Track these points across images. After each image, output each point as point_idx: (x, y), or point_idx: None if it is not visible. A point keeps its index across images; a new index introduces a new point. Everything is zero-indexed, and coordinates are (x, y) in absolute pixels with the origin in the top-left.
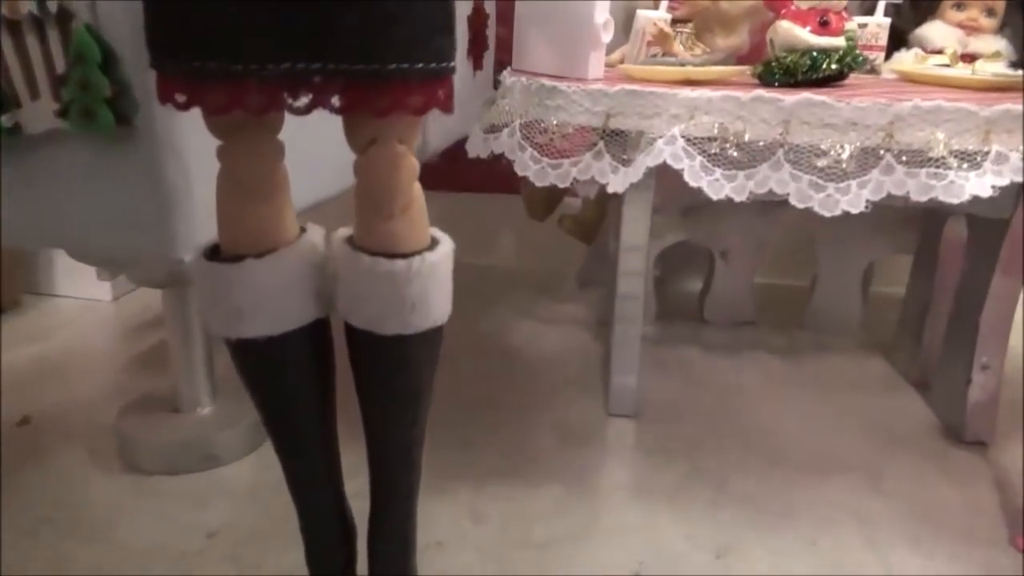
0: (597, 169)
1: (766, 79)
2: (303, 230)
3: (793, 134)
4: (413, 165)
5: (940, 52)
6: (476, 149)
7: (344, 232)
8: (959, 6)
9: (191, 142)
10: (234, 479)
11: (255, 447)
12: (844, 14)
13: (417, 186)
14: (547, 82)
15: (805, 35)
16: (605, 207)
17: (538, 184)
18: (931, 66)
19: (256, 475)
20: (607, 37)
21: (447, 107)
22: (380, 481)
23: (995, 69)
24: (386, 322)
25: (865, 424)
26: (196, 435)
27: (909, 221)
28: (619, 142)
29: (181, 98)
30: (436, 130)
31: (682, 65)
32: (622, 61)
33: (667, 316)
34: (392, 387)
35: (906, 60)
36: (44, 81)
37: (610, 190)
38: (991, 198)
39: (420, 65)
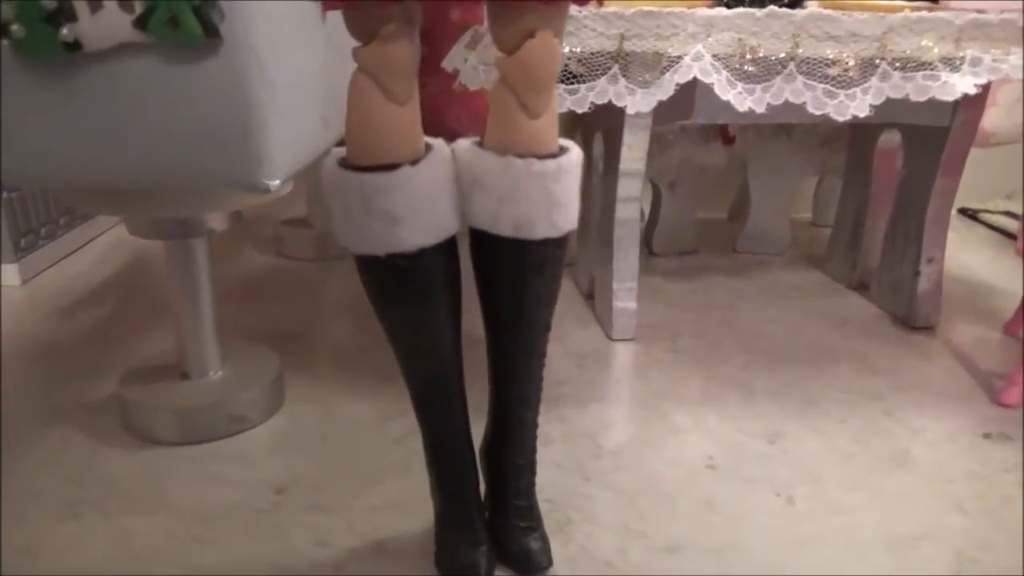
0: (614, 92)
1: (735, 3)
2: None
3: (802, 47)
4: (561, 61)
5: None
6: (471, 79)
7: (467, 142)
8: None
9: (277, 56)
10: (273, 436)
11: (279, 406)
12: None
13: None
14: None
15: None
16: (569, 132)
17: None
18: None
19: (294, 429)
20: None
21: None
22: (510, 393)
23: None
24: (536, 225)
25: (832, 322)
26: (218, 398)
27: (830, 143)
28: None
29: None
30: None
31: None
32: None
33: None
34: (531, 293)
35: None
36: None
37: (630, 111)
38: (928, 110)
39: None
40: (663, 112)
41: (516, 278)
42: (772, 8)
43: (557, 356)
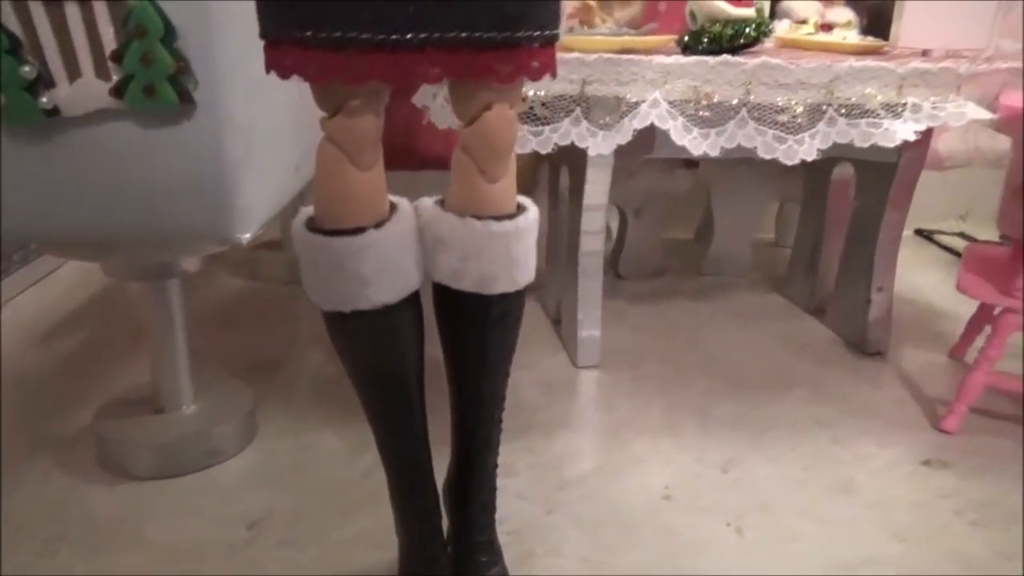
0: (576, 133)
1: (693, 47)
2: (394, 204)
3: (753, 94)
4: (517, 129)
5: (804, 22)
6: (442, 119)
7: (429, 201)
8: None
9: (247, 118)
10: (246, 470)
11: (252, 438)
12: None
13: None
14: None
15: (726, 7)
16: (534, 170)
17: (518, 151)
18: (802, 36)
19: (267, 463)
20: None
21: (555, 71)
22: (472, 437)
23: (853, 35)
24: (495, 282)
25: (790, 347)
26: (192, 433)
27: (789, 172)
28: (590, 107)
29: (314, 69)
30: None
31: (614, 34)
32: None
33: None
34: (492, 345)
35: (781, 29)
36: (87, 59)
37: (591, 153)
38: (877, 147)
39: (538, 32)
40: (626, 148)
41: (477, 330)
42: (725, 57)
43: (525, 384)
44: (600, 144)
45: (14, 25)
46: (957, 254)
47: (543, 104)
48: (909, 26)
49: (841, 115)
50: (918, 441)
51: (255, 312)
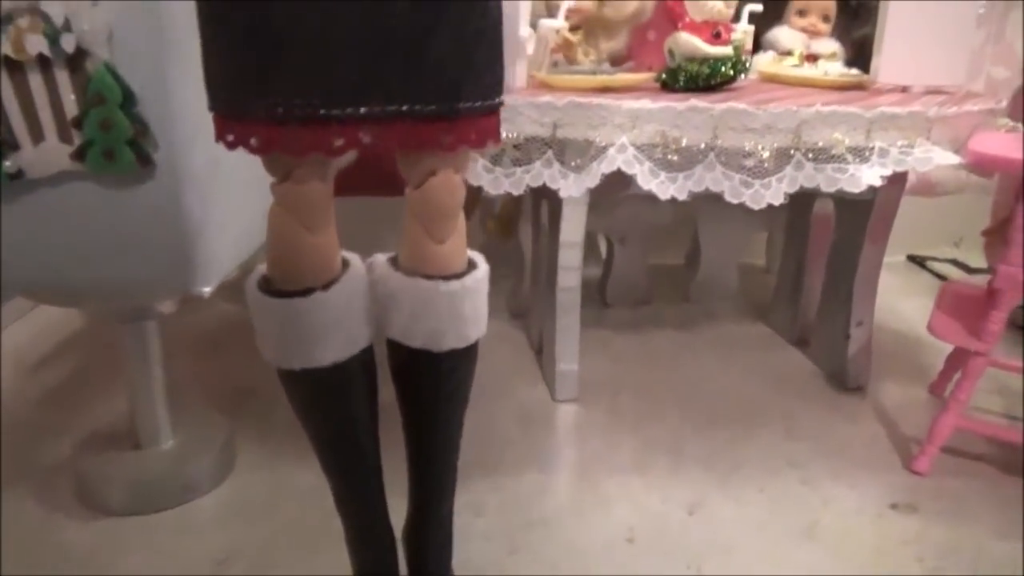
0: (548, 175)
1: (671, 84)
2: (346, 261)
3: (721, 138)
4: (464, 192)
5: (790, 53)
6: None
7: (382, 258)
8: (801, 13)
9: (209, 176)
10: (220, 505)
11: (227, 474)
12: (731, 26)
13: (462, 207)
14: None
15: (703, 46)
16: (519, 202)
17: (492, 192)
18: (788, 67)
19: (241, 498)
20: (530, 49)
21: (498, 139)
22: (427, 485)
23: (837, 68)
24: (444, 339)
25: (768, 380)
26: (168, 469)
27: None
28: (562, 149)
29: (256, 142)
30: None
31: (593, 73)
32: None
33: None
34: (444, 397)
35: (765, 61)
36: (50, 124)
37: (563, 195)
38: None
39: (480, 103)
40: (603, 186)
41: (429, 385)
42: (693, 102)
43: (503, 416)
44: (571, 186)
45: None
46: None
47: (515, 147)
48: (890, 61)
49: (808, 159)
50: (888, 482)
51: (233, 336)
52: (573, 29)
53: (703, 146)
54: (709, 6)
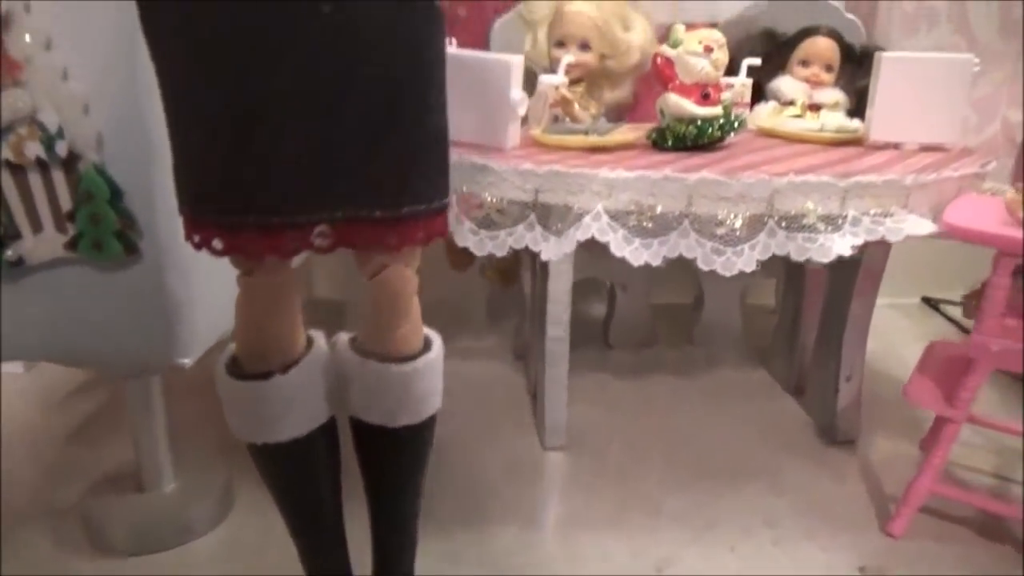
0: (530, 238)
1: (660, 144)
2: (310, 339)
3: (696, 206)
4: (416, 282)
5: (792, 103)
6: None
7: (345, 337)
8: (804, 63)
9: (189, 260)
10: (215, 548)
11: (225, 516)
12: (721, 85)
13: (416, 293)
14: (478, 160)
15: (691, 107)
16: (517, 251)
17: (477, 254)
18: (788, 118)
19: (235, 541)
20: (522, 111)
21: (445, 234)
22: (387, 545)
23: (837, 118)
24: (398, 415)
25: (758, 431)
26: (169, 512)
27: None
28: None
29: (219, 245)
30: None
31: (586, 133)
32: (526, 118)
33: (575, 344)
34: (400, 468)
35: (765, 112)
36: (48, 216)
37: (543, 258)
38: None
39: (424, 206)
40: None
41: (385, 457)
42: (667, 172)
43: (491, 463)
44: (551, 250)
45: None
46: (961, 328)
47: (499, 211)
48: (882, 118)
49: (781, 227)
50: (861, 544)
51: None
52: (576, 82)
53: (678, 213)
54: (698, 68)
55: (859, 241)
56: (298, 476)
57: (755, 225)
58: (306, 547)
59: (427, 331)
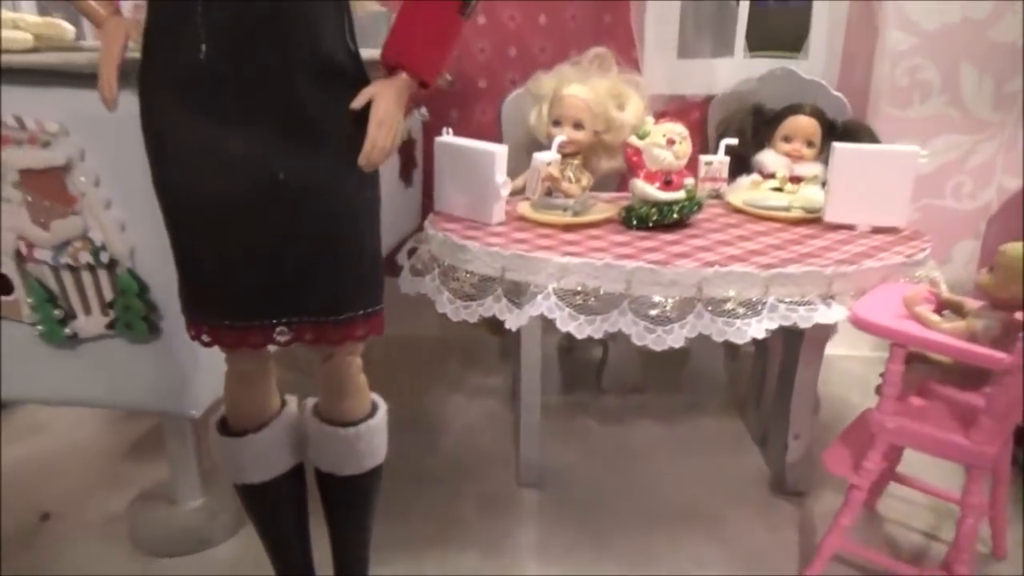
0: (497, 309)
1: (627, 222)
2: (283, 402)
3: (634, 289)
4: (359, 365)
5: (773, 176)
6: (406, 288)
7: (311, 402)
8: (786, 139)
9: None
10: (227, 556)
11: (237, 530)
12: (684, 172)
13: (361, 372)
14: (457, 239)
15: (654, 192)
16: None
17: (453, 319)
18: (766, 190)
19: (243, 552)
20: (505, 192)
21: (381, 332)
22: (342, 566)
23: (814, 192)
24: (344, 467)
25: (718, 480)
26: (193, 523)
27: None
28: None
29: (207, 339)
30: None
31: (565, 210)
32: (521, 188)
33: (571, 385)
34: (348, 507)
35: (744, 185)
36: (95, 304)
37: (507, 326)
38: None
39: (362, 312)
40: None
41: (336, 497)
42: (608, 260)
43: (467, 495)
44: (515, 320)
45: (53, 285)
46: None
47: (472, 285)
48: (836, 202)
49: (708, 310)
50: None
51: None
52: (572, 155)
53: (618, 295)
54: (661, 158)
55: (773, 326)
56: (268, 509)
57: (685, 307)
58: (277, 564)
59: (375, 398)
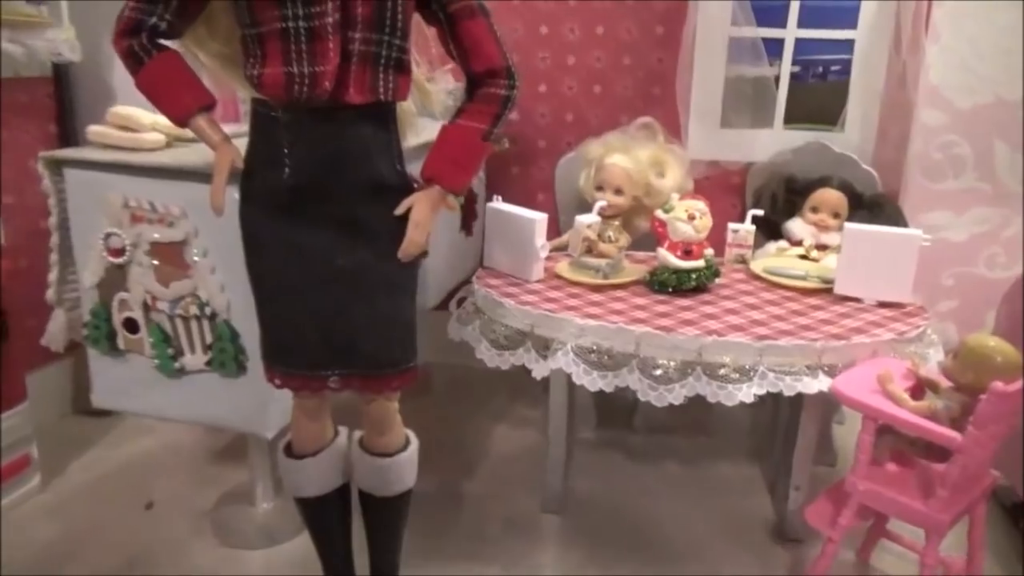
0: (526, 359)
1: (651, 286)
2: (337, 432)
3: (641, 351)
4: (395, 408)
5: (800, 243)
6: (453, 334)
7: (357, 434)
8: (814, 209)
9: None
10: (292, 552)
11: (300, 531)
12: (704, 243)
13: (397, 413)
14: (496, 296)
15: (674, 260)
16: None
17: (489, 365)
18: (791, 257)
19: (304, 553)
20: (544, 254)
21: (412, 386)
22: (377, 570)
23: (833, 261)
24: (379, 490)
25: (725, 523)
26: (266, 522)
27: None
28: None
29: (278, 383)
30: (434, 285)
31: (598, 270)
32: (565, 245)
33: (605, 423)
34: (383, 522)
35: (771, 251)
36: (198, 346)
37: (534, 375)
38: None
39: (397, 369)
40: None
41: (373, 513)
42: (620, 325)
43: (493, 516)
44: (540, 370)
45: (168, 329)
46: None
47: (506, 336)
48: (845, 278)
49: (705, 374)
50: None
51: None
52: (613, 216)
53: (627, 354)
54: (682, 231)
55: (762, 392)
56: (319, 518)
57: (685, 369)
58: (325, 562)
59: (408, 434)
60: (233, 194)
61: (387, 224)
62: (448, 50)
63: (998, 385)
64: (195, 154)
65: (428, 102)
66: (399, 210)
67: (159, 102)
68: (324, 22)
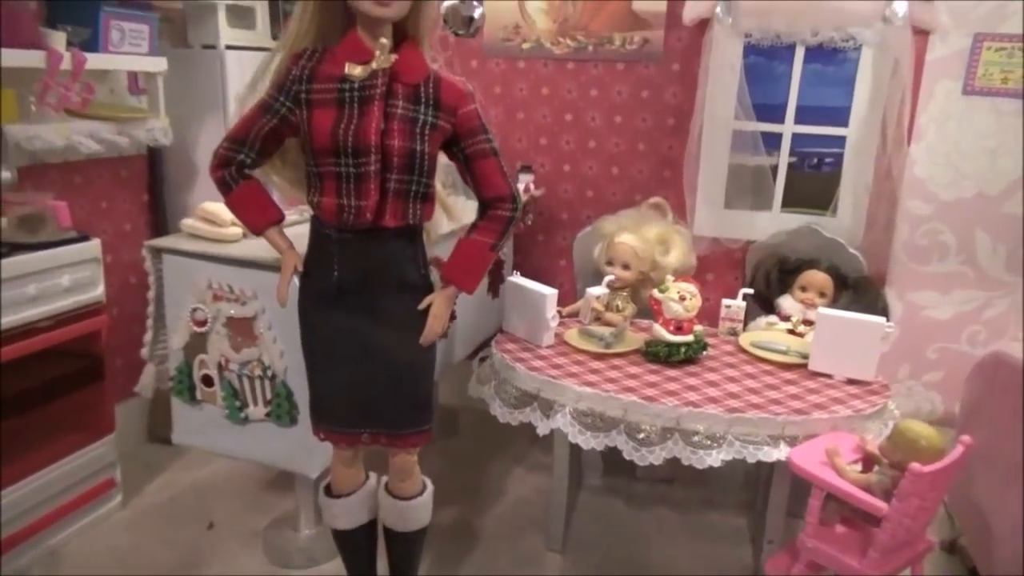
0: (532, 417)
1: (647, 357)
2: (368, 476)
3: (628, 417)
4: (415, 460)
5: (788, 319)
6: (472, 391)
7: (384, 479)
8: (803, 288)
9: None
10: (327, 572)
11: (334, 556)
12: (694, 320)
13: (416, 464)
14: (510, 360)
15: (665, 335)
16: None
17: (501, 421)
18: (779, 332)
19: (337, 573)
20: (554, 324)
21: (428, 442)
22: None
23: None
24: (399, 526)
25: (709, 567)
26: (306, 547)
27: None
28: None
29: (322, 436)
30: (463, 340)
31: (601, 339)
32: (577, 312)
33: (611, 471)
34: (402, 553)
35: (761, 325)
36: (260, 400)
37: (539, 432)
38: None
39: (415, 429)
40: None
41: (394, 545)
42: (611, 394)
43: (504, 552)
44: (543, 428)
45: (237, 386)
46: None
47: (516, 397)
48: (818, 356)
49: (682, 439)
50: None
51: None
52: (621, 288)
53: (617, 418)
54: (673, 310)
55: (729, 458)
56: (350, 547)
57: (665, 434)
58: None
59: (425, 481)
60: (295, 283)
61: (411, 315)
62: (465, 179)
63: (915, 466)
64: (265, 248)
65: (451, 214)
66: (422, 305)
67: (242, 218)
68: (368, 169)
